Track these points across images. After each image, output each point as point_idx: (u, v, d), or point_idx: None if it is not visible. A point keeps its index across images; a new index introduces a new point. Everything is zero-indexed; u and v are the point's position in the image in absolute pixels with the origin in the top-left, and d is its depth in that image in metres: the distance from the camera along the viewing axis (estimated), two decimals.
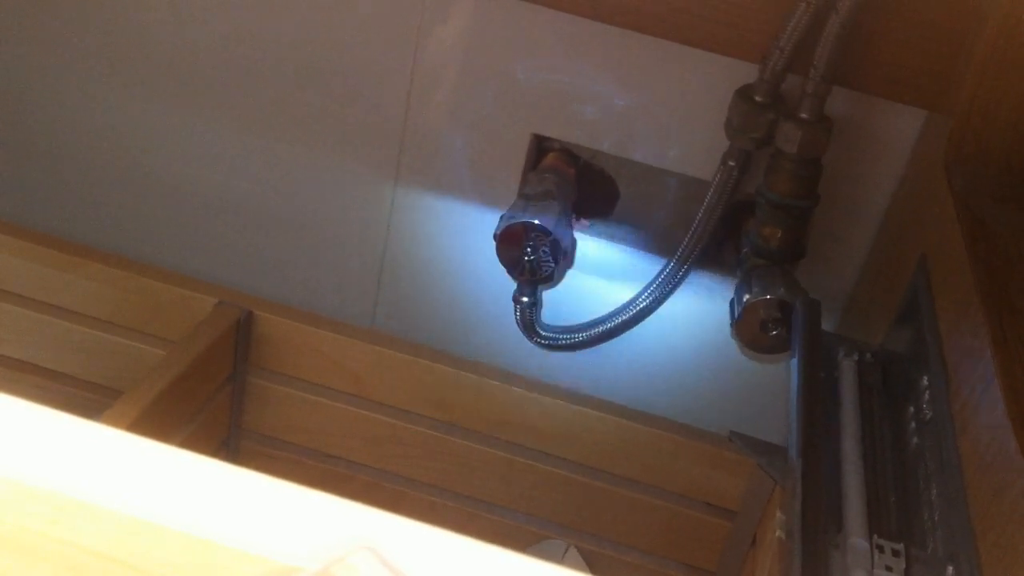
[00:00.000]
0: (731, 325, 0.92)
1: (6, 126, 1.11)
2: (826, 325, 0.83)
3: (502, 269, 0.94)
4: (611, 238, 1.02)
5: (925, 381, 0.67)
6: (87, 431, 0.33)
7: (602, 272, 1.03)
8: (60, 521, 0.31)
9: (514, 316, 0.99)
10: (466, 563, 0.32)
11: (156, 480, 0.32)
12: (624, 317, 1.00)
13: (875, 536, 0.59)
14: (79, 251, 1.12)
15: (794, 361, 0.77)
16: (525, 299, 0.97)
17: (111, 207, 1.13)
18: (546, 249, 0.92)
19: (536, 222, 0.91)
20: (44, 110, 1.10)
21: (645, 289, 0.98)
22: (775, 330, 0.90)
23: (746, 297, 0.90)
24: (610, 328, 1.00)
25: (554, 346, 1.02)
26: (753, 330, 0.90)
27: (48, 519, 0.31)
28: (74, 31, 1.05)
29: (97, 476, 0.32)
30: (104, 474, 0.32)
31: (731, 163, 0.92)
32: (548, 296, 0.99)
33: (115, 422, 0.91)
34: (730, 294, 0.93)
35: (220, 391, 1.09)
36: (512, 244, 0.92)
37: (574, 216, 1.00)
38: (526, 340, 1.01)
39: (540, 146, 1.01)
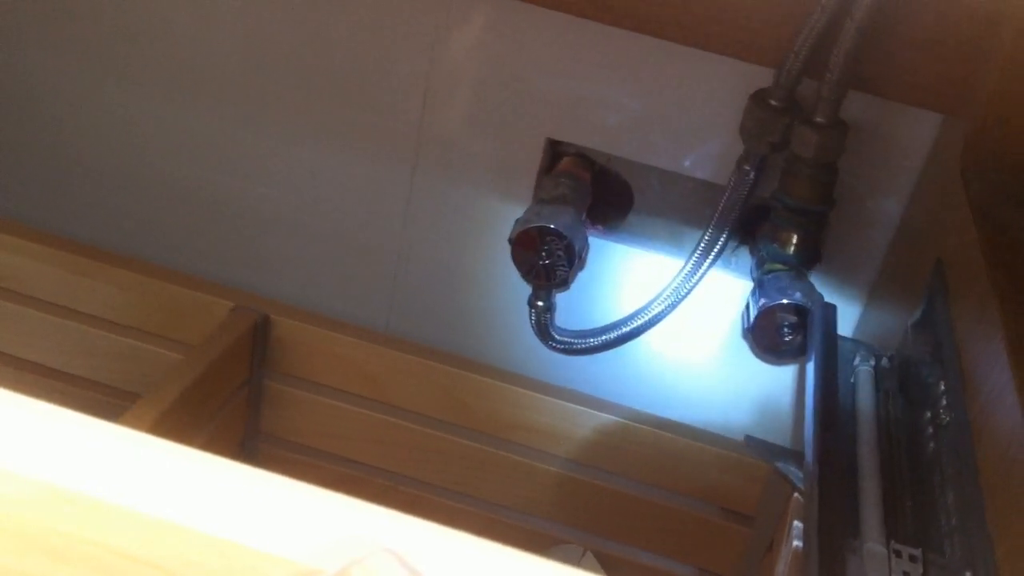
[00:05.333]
0: (746, 330, 0.92)
1: (24, 130, 1.12)
2: (842, 330, 0.83)
3: (517, 273, 0.94)
4: (626, 242, 1.02)
5: (942, 386, 0.66)
6: (113, 434, 0.33)
7: (617, 277, 1.03)
8: (85, 523, 0.31)
9: (529, 320, 0.99)
10: (485, 566, 0.33)
11: (181, 482, 0.33)
12: (639, 322, 1.00)
13: (892, 541, 0.59)
14: (97, 255, 1.13)
15: (810, 366, 0.77)
16: (540, 303, 0.97)
17: (127, 211, 1.13)
18: (561, 253, 0.92)
19: (551, 226, 0.91)
20: (61, 114, 1.10)
21: (660, 294, 0.98)
22: (791, 335, 0.90)
23: (762, 302, 0.90)
24: (625, 333, 1.00)
25: (569, 351, 1.02)
26: (769, 335, 0.90)
27: (74, 521, 0.31)
28: (98, 36, 1.05)
29: (123, 478, 0.32)
30: (130, 476, 0.32)
31: (746, 167, 0.92)
32: (563, 301, 1.00)
33: (133, 425, 0.91)
34: (745, 299, 0.93)
35: (237, 395, 1.10)
36: (527, 248, 0.92)
37: (589, 220, 1.00)
38: (541, 345, 1.01)
39: (555, 150, 1.01)
